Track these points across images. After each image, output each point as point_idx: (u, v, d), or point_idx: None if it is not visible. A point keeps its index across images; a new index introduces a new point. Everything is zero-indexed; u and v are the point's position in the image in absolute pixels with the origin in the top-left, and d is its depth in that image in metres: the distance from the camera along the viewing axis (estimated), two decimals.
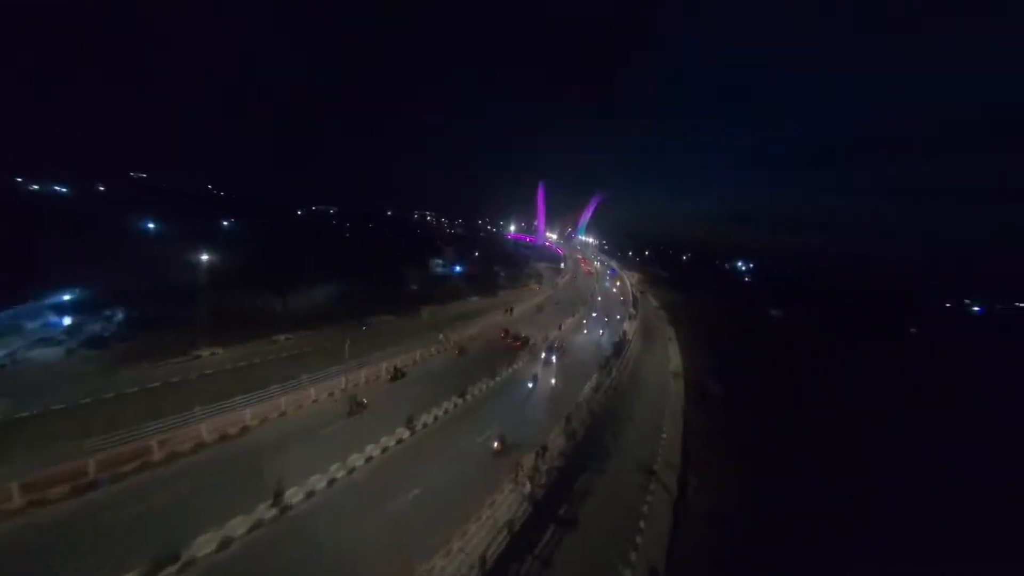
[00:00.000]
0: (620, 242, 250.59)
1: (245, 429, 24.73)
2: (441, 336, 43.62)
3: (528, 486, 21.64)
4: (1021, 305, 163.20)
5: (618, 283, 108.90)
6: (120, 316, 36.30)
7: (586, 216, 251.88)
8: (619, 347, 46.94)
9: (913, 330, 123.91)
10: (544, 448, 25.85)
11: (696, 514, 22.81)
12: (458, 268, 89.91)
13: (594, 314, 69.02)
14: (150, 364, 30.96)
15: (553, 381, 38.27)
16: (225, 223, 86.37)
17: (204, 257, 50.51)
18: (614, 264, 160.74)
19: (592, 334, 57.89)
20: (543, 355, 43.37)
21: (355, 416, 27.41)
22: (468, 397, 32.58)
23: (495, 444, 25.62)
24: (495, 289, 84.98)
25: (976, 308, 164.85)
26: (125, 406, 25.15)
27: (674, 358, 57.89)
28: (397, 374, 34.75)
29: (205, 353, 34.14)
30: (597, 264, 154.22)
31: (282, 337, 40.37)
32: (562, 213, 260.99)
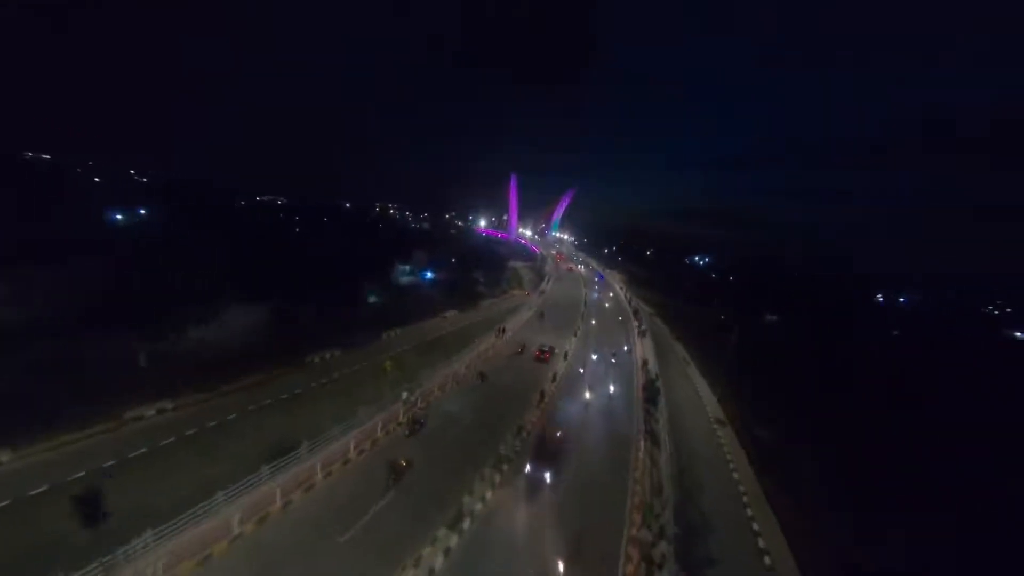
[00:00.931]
0: (594, 238, 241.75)
1: None
2: (405, 394, 28.55)
3: None
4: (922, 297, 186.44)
5: (610, 294, 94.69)
6: None
7: (559, 212, 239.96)
8: (651, 397, 34.63)
9: (896, 332, 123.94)
10: None
11: None
12: (429, 274, 75.32)
13: (594, 356, 45.77)
14: None
15: (561, 568, 16.07)
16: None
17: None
18: (599, 267, 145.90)
19: (598, 391, 36.25)
20: (527, 469, 22.97)
21: None
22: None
23: None
24: (475, 299, 71.24)
25: (902, 299, 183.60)
26: None
27: (704, 393, 47.13)
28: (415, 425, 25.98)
29: None
30: (581, 268, 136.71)
31: (152, 411, 25.08)
32: (534, 208, 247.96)
